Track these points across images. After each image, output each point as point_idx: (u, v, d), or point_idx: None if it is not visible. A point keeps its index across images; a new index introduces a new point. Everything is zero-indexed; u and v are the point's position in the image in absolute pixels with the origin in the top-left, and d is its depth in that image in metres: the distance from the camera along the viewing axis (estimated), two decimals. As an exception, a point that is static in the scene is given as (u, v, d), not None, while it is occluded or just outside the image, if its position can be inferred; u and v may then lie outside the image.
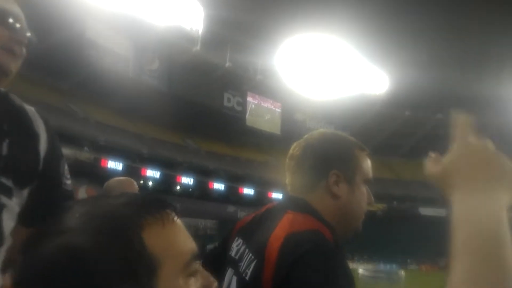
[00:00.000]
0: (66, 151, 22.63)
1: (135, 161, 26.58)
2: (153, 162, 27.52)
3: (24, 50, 1.05)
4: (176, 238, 0.50)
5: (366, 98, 39.61)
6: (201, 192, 30.25)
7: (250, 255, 0.95)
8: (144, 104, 28.11)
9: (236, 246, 1.04)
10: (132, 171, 26.07)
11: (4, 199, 0.98)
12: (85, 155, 23.74)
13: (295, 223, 0.92)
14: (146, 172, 27.71)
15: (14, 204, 1.02)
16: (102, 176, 24.53)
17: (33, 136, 1.08)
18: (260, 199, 31.57)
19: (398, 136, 42.94)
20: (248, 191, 32.73)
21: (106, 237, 0.44)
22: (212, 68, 32.59)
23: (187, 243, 0.51)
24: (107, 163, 25.05)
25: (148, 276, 0.45)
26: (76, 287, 0.42)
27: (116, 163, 25.52)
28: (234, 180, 31.63)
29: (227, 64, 33.36)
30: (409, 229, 33.64)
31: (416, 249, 31.71)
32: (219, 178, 31.05)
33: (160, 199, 0.51)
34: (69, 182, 1.17)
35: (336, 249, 0.89)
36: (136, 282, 0.44)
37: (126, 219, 0.46)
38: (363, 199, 1.03)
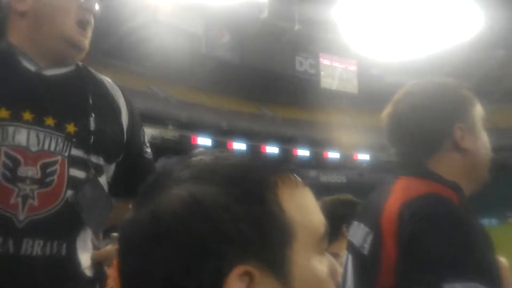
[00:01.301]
0: (153, 131, 24.14)
1: (216, 135, 27.54)
2: (235, 135, 28.28)
3: (92, 19, 1.07)
4: (311, 204, 0.41)
5: (450, 41, 36.35)
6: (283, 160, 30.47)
7: (366, 228, 0.89)
8: (219, 78, 28.70)
9: (352, 229, 0.98)
10: (220, 146, 27.09)
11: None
12: (170, 133, 25.12)
13: (411, 189, 0.84)
14: (232, 145, 28.53)
15: (104, 180, 1.04)
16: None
17: (116, 109, 1.08)
18: (345, 163, 31.09)
19: (490, 80, 39.16)
20: (333, 155, 32.25)
21: (237, 190, 0.37)
22: (281, 33, 32.07)
23: (319, 214, 0.42)
24: (197, 140, 26.18)
25: (282, 247, 0.38)
26: (201, 247, 0.36)
27: (205, 139, 26.56)
28: (316, 145, 31.36)
29: (296, 27, 32.58)
30: (509, 179, 31.12)
31: (517, 202, 29.53)
32: (301, 145, 30.98)
33: (284, 161, 0.43)
34: (149, 150, 1.17)
35: (466, 213, 0.80)
36: (267, 248, 0.37)
37: (258, 174, 0.39)
38: (487, 143, 0.95)
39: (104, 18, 1.12)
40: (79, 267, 1.00)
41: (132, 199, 1.27)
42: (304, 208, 0.40)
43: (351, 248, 0.95)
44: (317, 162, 31.86)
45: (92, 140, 0.97)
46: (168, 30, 27.51)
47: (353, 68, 36.46)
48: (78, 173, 0.96)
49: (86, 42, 1.05)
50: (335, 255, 1.73)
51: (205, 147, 25.54)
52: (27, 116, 0.91)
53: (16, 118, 0.90)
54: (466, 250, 0.72)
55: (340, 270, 1.02)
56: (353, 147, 29.54)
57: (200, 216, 0.37)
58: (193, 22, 29.09)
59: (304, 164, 31.35)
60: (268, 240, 0.37)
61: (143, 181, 1.29)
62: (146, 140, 1.17)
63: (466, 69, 37.54)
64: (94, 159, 0.99)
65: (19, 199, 0.88)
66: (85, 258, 1.04)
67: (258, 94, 31.21)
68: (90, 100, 1.01)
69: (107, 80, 1.12)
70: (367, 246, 0.86)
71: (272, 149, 30.31)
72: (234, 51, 30.91)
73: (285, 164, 0.41)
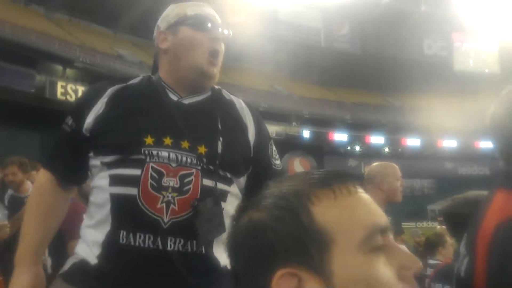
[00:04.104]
0: (277, 128, 24.86)
1: (341, 129, 27.08)
2: (361, 127, 27.44)
3: (222, 45, 1.19)
4: (353, 211, 0.48)
5: None
6: (422, 152, 28.41)
7: (464, 249, 0.83)
8: (340, 71, 28.18)
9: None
10: (355, 140, 26.69)
11: (226, 187, 1.13)
12: (293, 129, 25.53)
13: (508, 207, 0.74)
14: (370, 139, 27.51)
15: (234, 189, 1.16)
16: (321, 149, 26.02)
17: (243, 128, 1.20)
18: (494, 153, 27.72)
19: None
20: (483, 144, 28.99)
21: (278, 213, 0.49)
22: (405, 16, 30.06)
23: (368, 216, 0.48)
24: (334, 136, 26.26)
25: (318, 252, 0.46)
26: (256, 256, 0.49)
27: (342, 134, 26.43)
28: (462, 134, 28.42)
29: (423, 8, 30.19)
30: None
31: None
32: (446, 134, 28.43)
33: (336, 172, 0.51)
34: (278, 162, 1.27)
35: None
36: (307, 256, 0.46)
37: (295, 195, 0.49)
38: None
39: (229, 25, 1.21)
40: (219, 263, 1.11)
41: None
42: (341, 216, 0.48)
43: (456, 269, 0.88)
44: (460, 152, 28.88)
45: (219, 160, 1.11)
46: (289, 28, 27.99)
47: (493, 44, 32.40)
48: (210, 183, 1.10)
49: (215, 71, 1.17)
50: None
51: (341, 143, 25.15)
52: (167, 141, 1.09)
53: (158, 143, 1.08)
54: None
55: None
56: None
57: (255, 236, 0.50)
58: (313, 17, 29.08)
59: (439, 156, 28.87)
60: (305, 248, 0.47)
61: None
62: (275, 153, 1.27)
63: None
64: (222, 172, 1.12)
65: (164, 205, 1.04)
66: (225, 257, 1.11)
67: (383, 83, 29.80)
68: (219, 124, 1.15)
69: (237, 100, 1.25)
70: (463, 269, 0.81)
71: (413, 141, 28.28)
72: (354, 42, 30.03)
73: (328, 179, 0.50)
